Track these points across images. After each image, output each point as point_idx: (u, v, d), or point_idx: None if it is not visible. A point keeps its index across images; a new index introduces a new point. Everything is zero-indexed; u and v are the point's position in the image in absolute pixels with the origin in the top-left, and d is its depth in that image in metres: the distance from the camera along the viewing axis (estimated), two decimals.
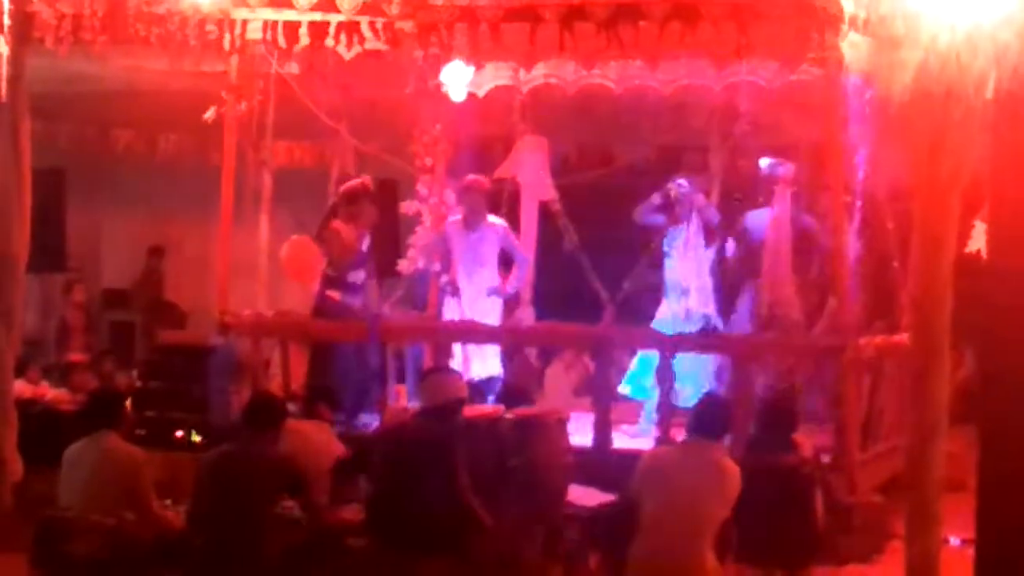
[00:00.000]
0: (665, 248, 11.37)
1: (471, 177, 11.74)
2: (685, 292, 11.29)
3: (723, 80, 11.20)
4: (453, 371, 8.73)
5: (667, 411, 10.15)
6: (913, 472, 4.70)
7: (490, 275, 11.65)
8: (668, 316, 11.29)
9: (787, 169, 11.34)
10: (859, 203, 10.59)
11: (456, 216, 11.77)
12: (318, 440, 8.74)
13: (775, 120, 12.13)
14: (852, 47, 9.30)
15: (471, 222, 11.60)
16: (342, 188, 11.73)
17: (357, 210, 11.42)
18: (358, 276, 11.45)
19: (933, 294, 4.60)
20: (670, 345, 10.41)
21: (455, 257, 11.66)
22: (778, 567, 8.48)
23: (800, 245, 11.30)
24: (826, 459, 9.55)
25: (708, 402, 8.44)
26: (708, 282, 11.40)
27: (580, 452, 9.29)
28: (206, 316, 12.14)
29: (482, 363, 11.24)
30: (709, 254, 11.44)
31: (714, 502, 7.74)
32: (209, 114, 11.40)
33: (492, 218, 11.74)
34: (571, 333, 10.98)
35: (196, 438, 10.44)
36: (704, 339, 10.97)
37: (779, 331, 10.97)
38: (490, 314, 11.53)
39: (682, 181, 11.33)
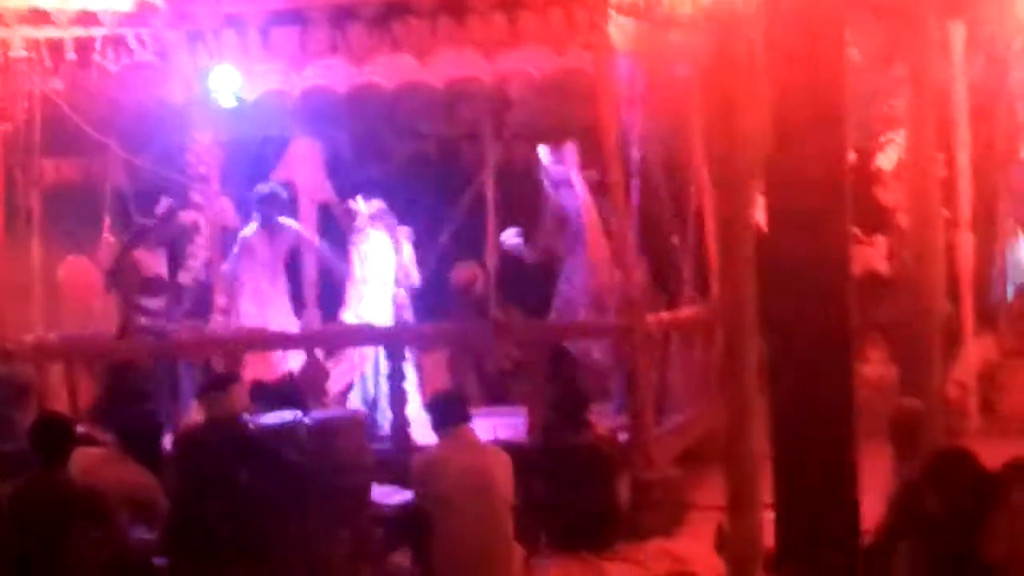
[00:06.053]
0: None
1: (269, 187, 11.97)
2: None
3: (494, 70, 11.25)
4: (233, 381, 8.73)
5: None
6: (730, 446, 4.78)
7: (284, 277, 11.97)
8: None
9: (571, 151, 11.65)
10: (636, 182, 10.72)
11: (250, 228, 11.87)
12: (115, 465, 8.50)
13: (548, 106, 12.23)
14: (619, 29, 9.44)
15: (273, 229, 11.83)
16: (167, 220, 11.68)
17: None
18: (154, 302, 11.38)
19: (735, 268, 4.68)
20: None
21: (255, 266, 11.77)
22: (583, 547, 8.60)
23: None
24: (623, 437, 9.70)
25: (442, 394, 8.88)
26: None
27: (380, 452, 9.28)
28: None
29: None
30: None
31: (492, 480, 7.96)
32: None
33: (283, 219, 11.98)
34: (365, 333, 10.96)
35: None
36: (495, 328, 11.09)
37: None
38: (289, 320, 11.80)
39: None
